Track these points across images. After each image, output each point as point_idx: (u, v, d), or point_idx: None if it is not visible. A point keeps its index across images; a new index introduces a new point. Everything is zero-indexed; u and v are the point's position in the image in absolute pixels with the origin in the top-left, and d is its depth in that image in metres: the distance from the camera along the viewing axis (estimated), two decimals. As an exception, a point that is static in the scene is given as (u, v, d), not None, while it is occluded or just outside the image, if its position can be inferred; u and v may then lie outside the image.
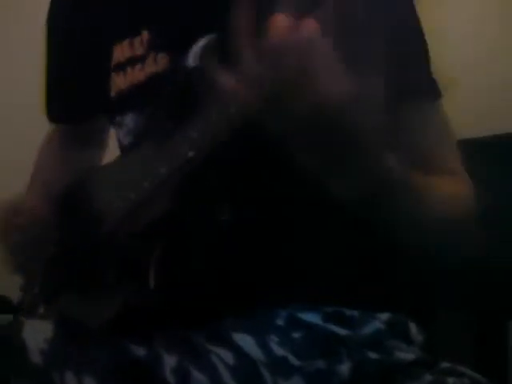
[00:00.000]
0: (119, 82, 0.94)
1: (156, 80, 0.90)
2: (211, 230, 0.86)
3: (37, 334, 0.76)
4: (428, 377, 0.84)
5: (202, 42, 0.86)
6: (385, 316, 0.88)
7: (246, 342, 0.82)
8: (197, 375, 0.76)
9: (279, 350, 0.82)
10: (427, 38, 0.92)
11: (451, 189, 0.86)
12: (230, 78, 0.67)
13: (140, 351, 0.76)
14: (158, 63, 0.90)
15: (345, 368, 0.83)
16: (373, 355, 0.85)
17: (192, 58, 0.86)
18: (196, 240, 0.85)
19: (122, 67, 0.94)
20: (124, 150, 0.98)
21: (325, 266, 0.87)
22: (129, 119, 0.94)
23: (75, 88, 1.06)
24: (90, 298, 0.90)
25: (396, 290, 0.91)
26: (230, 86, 0.67)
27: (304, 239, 0.88)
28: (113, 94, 0.96)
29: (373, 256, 0.90)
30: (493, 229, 1.06)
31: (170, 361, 0.76)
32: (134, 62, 0.93)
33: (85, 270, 0.92)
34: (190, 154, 0.78)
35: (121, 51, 0.94)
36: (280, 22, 0.65)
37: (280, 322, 0.85)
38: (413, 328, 0.91)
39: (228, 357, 0.79)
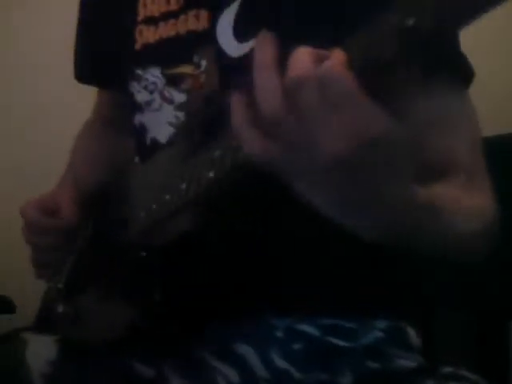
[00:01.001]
0: (148, 35, 0.93)
1: (192, 37, 0.89)
2: (218, 245, 0.84)
3: (40, 356, 0.74)
4: (430, 382, 0.82)
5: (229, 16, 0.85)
6: (383, 324, 0.87)
7: (248, 354, 0.81)
8: None
9: (280, 363, 0.81)
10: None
11: (469, 202, 0.77)
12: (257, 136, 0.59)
13: (147, 372, 0.75)
14: (199, 22, 0.89)
15: (346, 381, 0.82)
16: (373, 365, 0.84)
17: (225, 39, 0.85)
18: (203, 254, 0.84)
19: (154, 21, 0.93)
20: (136, 107, 0.96)
21: (322, 275, 0.86)
22: (150, 74, 0.92)
23: (101, 43, 1.04)
24: (106, 305, 0.88)
25: (395, 293, 0.90)
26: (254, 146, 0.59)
27: (302, 251, 0.86)
28: (138, 46, 0.95)
29: (372, 261, 0.88)
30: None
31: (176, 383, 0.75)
32: (168, 17, 0.92)
33: (105, 273, 0.91)
34: (211, 174, 0.71)
35: (157, 6, 0.93)
36: (302, 55, 0.56)
37: (279, 333, 0.84)
38: (411, 333, 0.90)
39: (233, 375, 0.79)
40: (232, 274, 0.84)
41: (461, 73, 0.85)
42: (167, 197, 0.80)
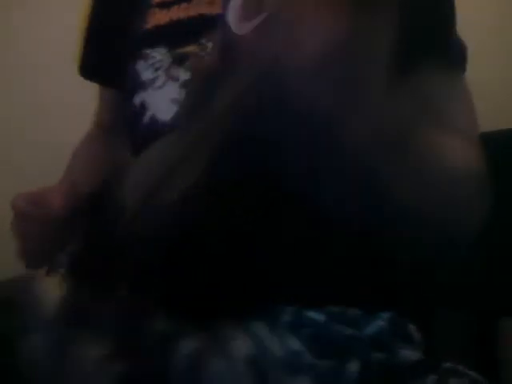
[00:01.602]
0: (159, 17, 0.97)
1: (202, 21, 0.93)
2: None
3: (51, 290, 0.74)
4: (432, 377, 0.83)
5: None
6: (386, 315, 0.88)
7: (263, 332, 0.81)
8: (214, 363, 0.74)
9: (293, 343, 0.82)
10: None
11: (464, 150, 0.84)
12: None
13: (161, 326, 0.74)
14: (212, 6, 0.92)
15: (354, 367, 0.82)
16: (378, 355, 0.85)
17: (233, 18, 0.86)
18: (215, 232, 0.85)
19: (167, 5, 0.97)
20: (139, 86, 0.98)
21: (327, 267, 0.87)
22: (157, 52, 0.96)
23: (111, 31, 1.07)
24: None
25: (396, 290, 0.91)
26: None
27: (306, 241, 0.87)
28: (148, 26, 0.98)
29: (373, 255, 0.89)
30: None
31: (187, 345, 0.74)
32: (181, 1, 0.96)
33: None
34: (200, 126, 0.78)
35: None
36: None
37: (287, 317, 0.85)
38: (412, 328, 0.91)
39: (247, 348, 0.78)
40: (236, 263, 0.84)
41: (452, 58, 0.90)
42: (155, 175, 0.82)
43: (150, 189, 0.85)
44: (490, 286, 1.11)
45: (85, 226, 0.94)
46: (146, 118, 0.96)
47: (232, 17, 0.87)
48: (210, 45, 0.91)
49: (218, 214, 0.85)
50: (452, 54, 0.92)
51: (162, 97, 0.94)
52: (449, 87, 0.89)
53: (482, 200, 0.83)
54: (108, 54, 1.09)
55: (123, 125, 1.13)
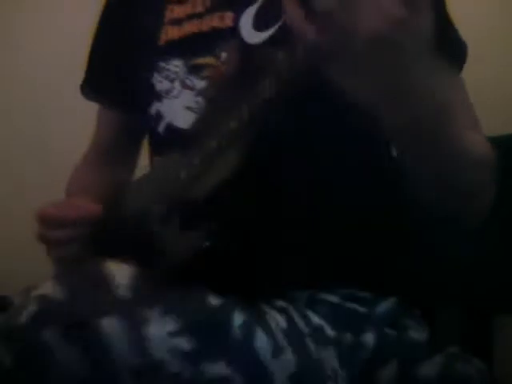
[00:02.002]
0: (172, 33, 1.01)
1: (215, 33, 0.97)
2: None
3: (121, 269, 0.75)
4: (439, 359, 0.87)
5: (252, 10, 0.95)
6: (392, 298, 0.91)
7: (289, 308, 0.84)
8: (260, 334, 0.76)
9: (316, 319, 0.85)
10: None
11: (480, 142, 0.88)
12: (311, 29, 0.70)
13: (215, 301, 0.76)
14: (224, 21, 0.97)
15: (370, 342, 0.86)
16: (390, 331, 0.88)
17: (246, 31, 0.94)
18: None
19: (179, 22, 1.01)
20: (155, 97, 1.01)
21: (338, 254, 0.90)
22: (172, 65, 1.00)
23: (120, 51, 1.09)
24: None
25: (399, 279, 0.93)
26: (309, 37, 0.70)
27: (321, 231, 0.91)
28: (162, 42, 1.02)
29: (379, 250, 0.92)
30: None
31: (238, 317, 0.76)
32: (192, 17, 1.00)
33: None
34: (231, 125, 0.83)
35: (183, 9, 1.01)
36: None
37: (302, 300, 0.88)
38: (416, 311, 0.94)
39: (281, 321, 0.81)
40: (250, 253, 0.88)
41: (449, 57, 0.92)
42: (195, 160, 0.88)
43: (177, 189, 0.90)
44: (485, 282, 1.12)
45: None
46: (162, 126, 1.01)
47: (245, 30, 0.95)
48: (223, 55, 0.95)
49: (249, 208, 0.89)
50: (451, 48, 0.94)
51: (178, 105, 0.99)
52: (450, 84, 0.91)
53: (490, 189, 0.89)
54: (112, 75, 1.11)
55: (123, 148, 1.18)
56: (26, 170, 1.83)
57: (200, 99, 0.97)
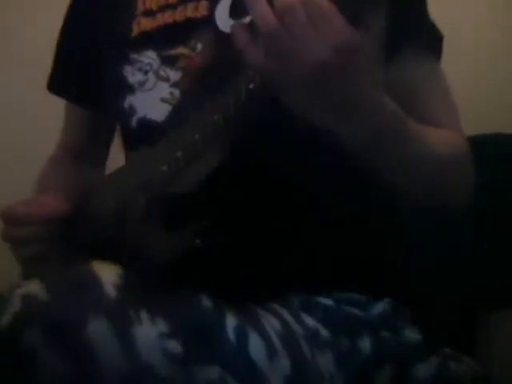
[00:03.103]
0: (145, 24, 0.99)
1: (190, 24, 0.95)
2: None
3: (108, 270, 0.73)
4: (435, 359, 0.87)
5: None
6: (386, 300, 0.91)
7: (283, 311, 0.83)
8: (254, 337, 0.76)
9: (310, 321, 0.84)
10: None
11: (448, 137, 0.89)
12: (258, 53, 0.72)
13: (208, 304, 0.76)
14: (198, 11, 0.95)
15: (366, 345, 0.85)
16: (386, 334, 0.88)
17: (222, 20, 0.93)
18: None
19: (152, 13, 0.99)
20: (127, 90, 0.99)
21: (328, 256, 0.89)
22: (145, 56, 0.98)
23: (89, 44, 1.07)
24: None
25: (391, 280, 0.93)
26: (256, 62, 0.72)
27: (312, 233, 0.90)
28: (134, 34, 1.00)
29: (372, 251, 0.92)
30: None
31: (231, 320, 0.76)
32: (166, 8, 0.98)
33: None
34: (215, 117, 0.81)
35: (156, 0, 0.99)
36: None
37: (297, 304, 0.87)
38: (405, 311, 0.93)
39: (276, 323, 0.80)
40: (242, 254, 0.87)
41: (426, 43, 0.94)
42: (178, 153, 0.85)
43: (157, 184, 0.87)
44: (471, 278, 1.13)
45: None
46: (135, 120, 0.98)
47: (221, 19, 0.93)
48: (199, 46, 0.94)
49: (238, 204, 0.88)
50: (427, 38, 0.95)
51: (153, 97, 0.96)
52: (427, 72, 0.93)
53: (466, 181, 0.90)
54: (79, 69, 1.10)
55: (92, 146, 1.16)
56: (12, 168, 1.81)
57: (175, 91, 0.95)
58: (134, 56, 0.99)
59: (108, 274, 0.71)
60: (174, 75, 0.95)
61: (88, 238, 0.93)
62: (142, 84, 0.98)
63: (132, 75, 0.99)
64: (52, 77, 1.14)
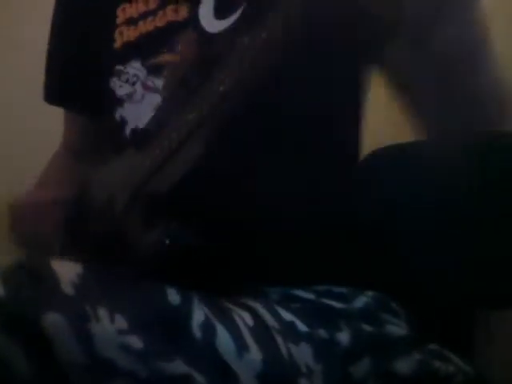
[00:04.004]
0: (128, 34, 0.99)
1: (171, 27, 0.95)
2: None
3: (67, 267, 0.74)
4: (417, 355, 0.87)
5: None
6: (370, 293, 0.91)
7: (257, 306, 0.83)
8: (223, 333, 0.76)
9: (287, 315, 0.84)
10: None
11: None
12: None
13: (175, 299, 0.76)
14: (178, 13, 0.95)
15: (345, 337, 0.85)
16: (367, 327, 0.87)
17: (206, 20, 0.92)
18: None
19: (133, 21, 0.99)
20: (116, 103, 1.00)
21: (310, 248, 0.90)
22: (130, 67, 0.98)
23: (75, 55, 1.09)
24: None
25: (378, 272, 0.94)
26: None
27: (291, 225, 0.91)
28: (118, 45, 1.00)
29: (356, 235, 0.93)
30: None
31: (199, 315, 0.76)
32: (147, 15, 0.98)
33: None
34: (190, 117, 0.82)
35: (135, 8, 0.99)
36: None
37: (275, 296, 0.88)
38: (395, 305, 0.93)
39: (247, 317, 0.80)
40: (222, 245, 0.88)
41: None
42: (144, 165, 0.87)
43: (141, 181, 0.89)
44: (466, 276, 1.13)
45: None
46: (127, 131, 0.99)
47: (205, 19, 0.93)
48: (179, 47, 0.94)
49: (215, 203, 0.89)
50: None
51: (144, 109, 0.96)
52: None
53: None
54: (70, 80, 1.10)
55: (92, 147, 1.16)
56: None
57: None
58: (119, 68, 0.99)
59: (66, 272, 0.72)
60: (161, 84, 0.96)
61: (81, 230, 0.95)
62: (130, 96, 0.98)
63: (119, 88, 0.99)
64: (47, 87, 1.14)
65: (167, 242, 0.84)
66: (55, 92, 1.14)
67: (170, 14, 0.96)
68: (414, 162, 1.08)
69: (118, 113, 1.00)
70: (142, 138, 0.94)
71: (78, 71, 1.08)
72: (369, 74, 0.97)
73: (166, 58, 0.95)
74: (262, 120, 0.84)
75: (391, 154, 1.07)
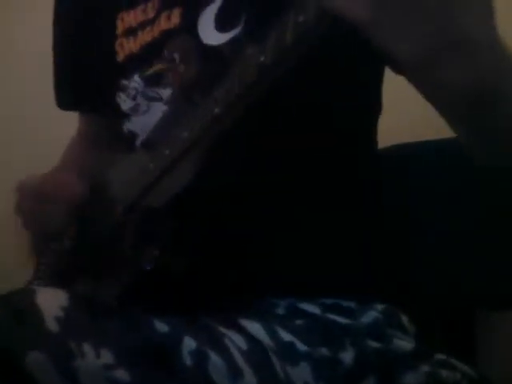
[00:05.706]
0: (130, 46, 0.97)
1: (163, 36, 0.93)
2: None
3: (52, 301, 0.71)
4: (425, 368, 0.85)
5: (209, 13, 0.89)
6: (379, 306, 0.89)
7: (254, 327, 0.81)
8: (215, 359, 0.74)
9: (286, 336, 0.81)
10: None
11: None
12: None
13: (163, 328, 0.74)
14: (171, 20, 0.93)
15: (348, 356, 0.82)
16: (374, 344, 0.85)
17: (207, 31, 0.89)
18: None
19: (133, 32, 0.97)
20: (123, 117, 0.98)
21: (319, 258, 0.89)
22: (133, 81, 0.96)
23: (80, 65, 1.07)
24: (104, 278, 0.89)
25: (387, 283, 0.93)
26: None
27: (300, 234, 0.89)
28: (121, 58, 0.98)
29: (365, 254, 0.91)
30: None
31: (189, 343, 0.74)
32: (145, 25, 0.95)
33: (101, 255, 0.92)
34: (216, 110, 0.78)
35: (133, 17, 0.97)
36: None
37: (280, 311, 0.85)
38: (404, 318, 0.92)
39: (240, 341, 0.78)
40: (230, 250, 0.87)
41: None
42: (151, 165, 0.85)
43: (140, 191, 0.88)
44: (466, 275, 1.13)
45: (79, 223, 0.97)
46: (139, 142, 0.97)
47: (205, 30, 0.90)
48: (176, 56, 0.92)
49: (211, 217, 0.87)
50: None
51: (150, 120, 0.94)
52: None
53: None
54: (83, 84, 1.09)
55: (107, 138, 1.13)
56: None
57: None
58: (124, 82, 0.97)
59: (50, 306, 0.70)
60: (165, 92, 0.93)
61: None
62: (135, 109, 0.96)
63: (123, 102, 0.97)
64: (59, 94, 1.14)
65: (148, 268, 0.83)
66: (69, 100, 1.13)
67: (163, 22, 0.93)
68: (415, 163, 1.09)
69: (126, 127, 0.99)
70: (144, 147, 0.93)
71: (86, 83, 1.07)
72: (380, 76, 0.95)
73: (158, 66, 0.94)
74: (257, 140, 0.82)
75: (395, 155, 1.08)
